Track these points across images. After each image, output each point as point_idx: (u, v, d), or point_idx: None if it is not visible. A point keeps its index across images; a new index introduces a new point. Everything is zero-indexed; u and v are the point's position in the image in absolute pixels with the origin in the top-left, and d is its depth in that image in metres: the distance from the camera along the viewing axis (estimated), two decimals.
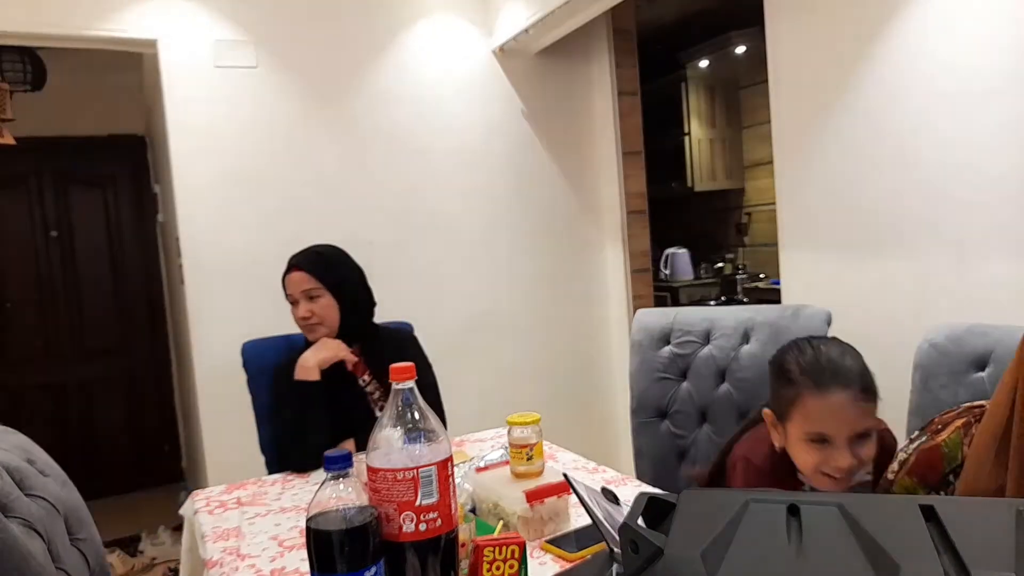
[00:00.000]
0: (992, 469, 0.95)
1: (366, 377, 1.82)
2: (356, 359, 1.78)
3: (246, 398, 1.94)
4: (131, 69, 3.72)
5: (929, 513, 0.62)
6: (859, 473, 1.18)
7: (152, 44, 2.55)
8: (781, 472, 1.24)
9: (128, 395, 4.27)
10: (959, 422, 1.06)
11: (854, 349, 1.24)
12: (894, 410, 1.49)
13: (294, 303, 1.77)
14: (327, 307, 1.76)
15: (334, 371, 1.74)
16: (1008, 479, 0.94)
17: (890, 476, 1.12)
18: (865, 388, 1.17)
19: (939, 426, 1.10)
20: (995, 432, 0.97)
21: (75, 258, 4.12)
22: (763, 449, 1.28)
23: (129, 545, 3.39)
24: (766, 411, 1.28)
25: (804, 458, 1.19)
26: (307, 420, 1.67)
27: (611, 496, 0.98)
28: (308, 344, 1.77)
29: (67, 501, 1.29)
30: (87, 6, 2.45)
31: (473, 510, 1.29)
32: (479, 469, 1.39)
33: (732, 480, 1.34)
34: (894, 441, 1.31)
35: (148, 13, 2.52)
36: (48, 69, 3.28)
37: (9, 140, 2.73)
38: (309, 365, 1.69)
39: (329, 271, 1.78)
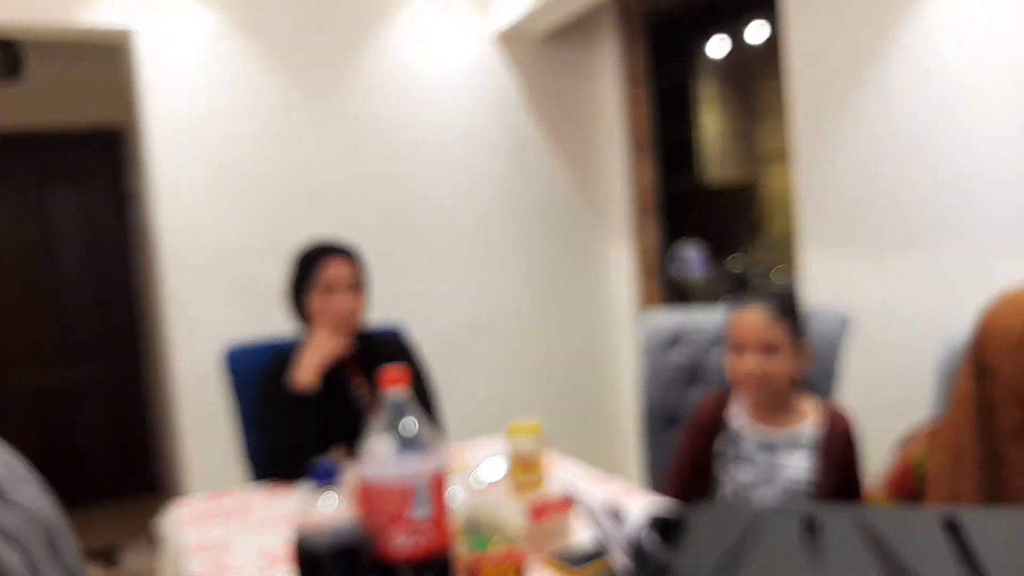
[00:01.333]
0: (950, 477, 1.00)
1: (359, 382, 1.81)
2: (350, 350, 1.77)
3: (230, 404, 1.93)
4: (110, 59, 3.71)
5: (951, 526, 0.61)
6: (766, 386, 1.44)
7: (130, 34, 2.54)
8: (716, 408, 1.55)
9: (108, 399, 4.27)
10: (925, 434, 1.11)
11: (788, 296, 1.55)
12: (917, 410, 1.49)
13: (328, 291, 1.73)
14: (362, 303, 1.78)
15: (325, 376, 1.73)
16: (963, 486, 0.97)
17: (871, 492, 1.16)
18: (778, 311, 1.45)
19: (904, 441, 1.14)
20: (951, 440, 1.02)
21: (54, 256, 4.12)
22: (714, 394, 1.60)
23: (110, 556, 3.39)
24: None
25: (729, 366, 1.50)
26: (302, 428, 1.66)
27: (617, 510, 0.98)
28: (297, 348, 1.75)
29: (46, 511, 1.29)
30: None
31: (471, 523, 1.28)
32: (477, 480, 1.39)
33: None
34: (845, 424, 1.47)
35: (126, 1, 2.51)
36: (27, 59, 3.27)
37: None
38: (310, 370, 1.68)
39: (365, 268, 1.81)
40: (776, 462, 1.46)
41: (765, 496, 1.45)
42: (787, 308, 1.47)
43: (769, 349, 1.44)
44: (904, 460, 1.12)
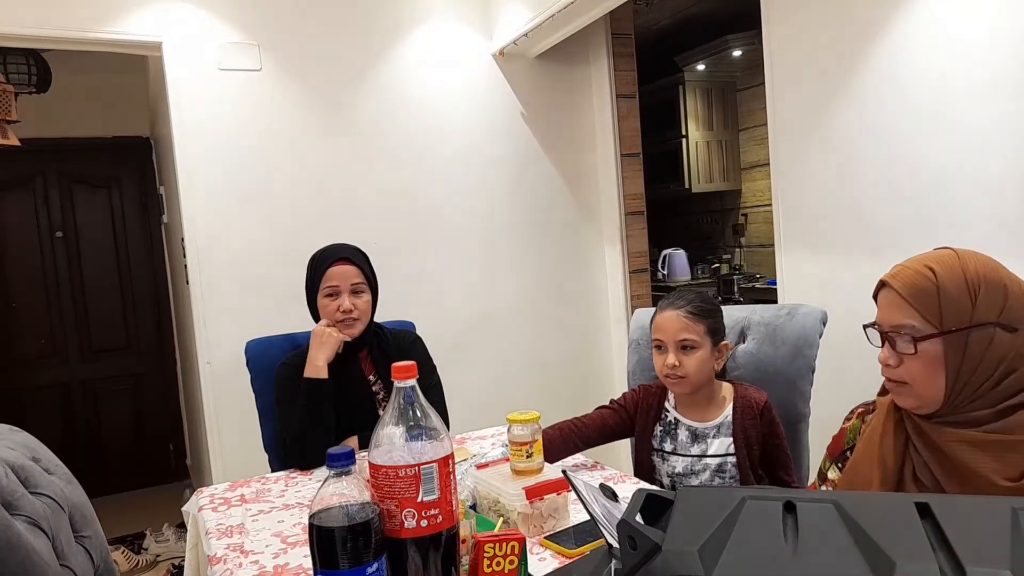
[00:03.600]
0: (873, 459, 1.09)
1: (372, 376, 1.82)
2: (364, 345, 1.78)
3: (250, 397, 1.94)
4: (136, 71, 3.72)
5: (924, 510, 0.62)
6: (686, 382, 1.48)
7: (157, 47, 2.55)
8: (657, 399, 1.59)
9: (133, 394, 4.27)
10: (860, 410, 1.22)
11: (711, 301, 1.54)
12: None
13: (333, 295, 1.74)
14: (367, 303, 1.78)
15: (341, 369, 1.74)
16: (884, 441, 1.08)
17: (820, 466, 1.26)
18: (693, 312, 1.49)
19: (849, 416, 1.25)
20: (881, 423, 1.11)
21: (80, 259, 4.12)
22: (659, 385, 1.60)
23: (133, 542, 3.38)
24: None
25: (655, 363, 1.54)
26: (315, 417, 1.67)
27: (609, 493, 0.98)
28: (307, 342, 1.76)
29: (72, 499, 1.29)
30: (92, 8, 2.44)
31: (474, 506, 1.29)
32: (480, 466, 1.39)
33: None
34: (755, 403, 1.51)
35: (153, 15, 2.52)
36: (53, 71, 3.28)
37: (14, 141, 2.72)
38: (319, 364, 1.69)
39: (371, 268, 1.82)
40: (705, 451, 1.51)
41: (698, 482, 1.50)
42: (704, 310, 1.50)
43: (686, 347, 1.48)
44: (842, 431, 1.22)
